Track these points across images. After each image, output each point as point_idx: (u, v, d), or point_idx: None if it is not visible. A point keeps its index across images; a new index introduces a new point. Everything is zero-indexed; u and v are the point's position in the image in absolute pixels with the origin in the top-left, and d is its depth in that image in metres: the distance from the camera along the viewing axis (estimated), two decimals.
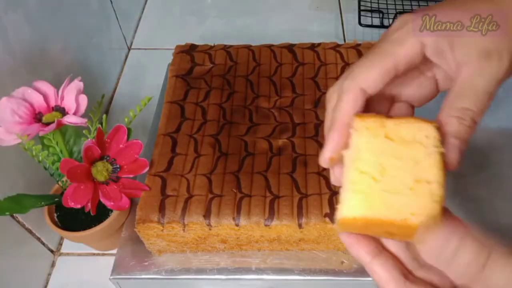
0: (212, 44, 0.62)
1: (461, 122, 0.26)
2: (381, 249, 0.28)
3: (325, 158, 0.28)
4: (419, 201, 0.24)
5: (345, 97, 0.28)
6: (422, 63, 0.29)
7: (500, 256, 0.24)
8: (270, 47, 0.61)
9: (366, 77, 0.28)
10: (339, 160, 0.27)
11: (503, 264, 0.23)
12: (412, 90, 0.31)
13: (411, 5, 0.85)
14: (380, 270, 0.27)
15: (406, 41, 0.27)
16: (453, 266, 0.24)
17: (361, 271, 0.48)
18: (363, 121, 0.26)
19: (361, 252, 0.28)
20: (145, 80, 0.78)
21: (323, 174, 0.47)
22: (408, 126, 0.25)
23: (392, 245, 0.29)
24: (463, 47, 0.27)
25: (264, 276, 0.49)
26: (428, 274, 0.27)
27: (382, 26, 0.82)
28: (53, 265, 0.58)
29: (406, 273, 0.27)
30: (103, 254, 0.58)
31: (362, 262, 0.28)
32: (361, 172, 0.25)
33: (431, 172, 0.24)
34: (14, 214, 0.51)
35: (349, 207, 0.24)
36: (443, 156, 0.25)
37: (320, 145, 0.50)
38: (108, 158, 0.47)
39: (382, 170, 0.25)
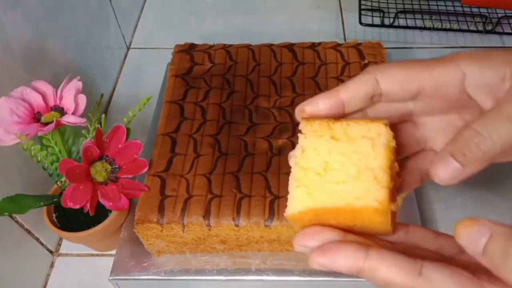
0: (212, 44, 0.62)
1: (475, 143, 0.24)
2: (366, 245, 0.24)
3: (302, 108, 0.28)
4: (362, 187, 0.24)
5: (355, 77, 0.27)
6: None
7: None
8: (270, 46, 0.61)
9: (388, 73, 0.26)
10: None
11: None
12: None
13: (412, 4, 0.84)
14: (382, 265, 0.23)
15: (448, 62, 0.26)
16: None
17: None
18: (310, 124, 0.26)
19: (348, 258, 0.23)
20: (144, 79, 0.78)
21: None
22: (357, 126, 0.25)
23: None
24: None
25: (264, 277, 0.49)
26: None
27: (382, 25, 0.81)
28: (52, 265, 0.58)
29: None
30: (102, 255, 0.58)
31: (355, 271, 0.23)
32: (305, 169, 0.25)
33: (376, 162, 0.24)
34: (13, 215, 0.50)
35: (294, 202, 0.25)
36: (394, 150, 0.25)
37: None
38: (107, 158, 0.47)
39: (326, 166, 0.25)
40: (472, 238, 0.23)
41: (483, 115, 0.24)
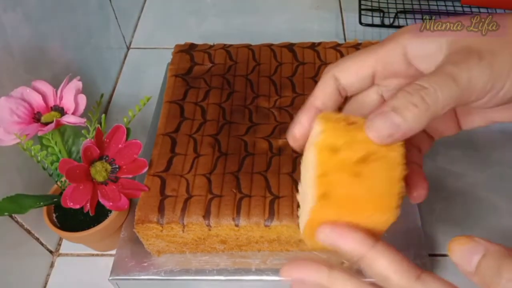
0: (212, 44, 0.62)
1: (406, 97, 0.24)
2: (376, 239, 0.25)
3: (292, 134, 0.29)
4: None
5: (319, 82, 0.29)
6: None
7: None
8: (270, 46, 0.61)
9: (342, 67, 0.28)
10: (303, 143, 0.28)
11: None
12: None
13: (412, 4, 0.84)
14: (384, 259, 0.24)
15: (389, 42, 0.27)
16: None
17: (362, 272, 0.48)
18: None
19: (356, 241, 0.24)
20: (144, 79, 0.78)
21: None
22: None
23: None
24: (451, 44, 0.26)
25: (264, 277, 0.49)
26: None
27: (382, 25, 0.81)
28: (52, 265, 0.58)
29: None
30: (102, 255, 0.58)
31: (358, 255, 0.24)
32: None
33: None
34: (13, 215, 0.50)
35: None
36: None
37: None
38: (107, 158, 0.47)
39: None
40: (466, 255, 0.23)
41: (426, 75, 0.25)
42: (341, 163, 0.23)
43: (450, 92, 0.23)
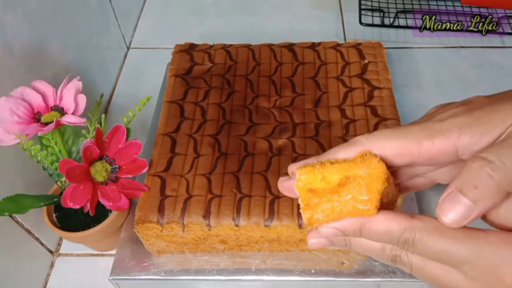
0: (212, 43, 0.62)
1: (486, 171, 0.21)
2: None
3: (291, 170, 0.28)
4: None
5: (343, 145, 0.27)
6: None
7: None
8: (270, 46, 0.61)
9: (378, 145, 0.25)
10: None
11: None
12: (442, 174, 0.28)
13: (412, 4, 0.84)
14: (378, 217, 0.24)
15: (443, 132, 0.24)
16: None
17: (362, 272, 0.48)
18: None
19: (346, 222, 0.25)
20: (144, 79, 0.78)
21: None
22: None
23: None
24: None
25: (264, 277, 0.49)
26: None
27: (382, 25, 0.81)
28: (52, 265, 0.58)
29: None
30: (102, 255, 0.58)
31: (356, 228, 0.25)
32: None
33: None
34: (13, 215, 0.50)
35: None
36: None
37: (320, 144, 0.50)
38: (107, 158, 0.47)
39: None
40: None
41: (489, 146, 0.23)
42: (319, 195, 0.26)
43: None
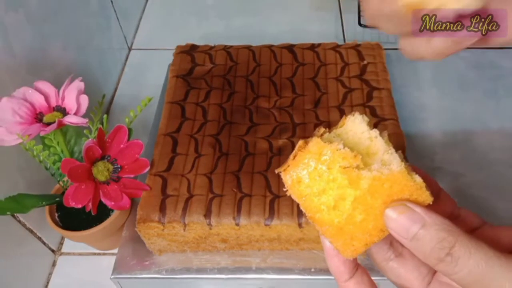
0: (213, 45, 0.62)
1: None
2: (357, 264, 0.29)
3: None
4: None
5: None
6: None
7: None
8: (270, 47, 0.61)
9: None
10: None
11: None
12: None
13: None
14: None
15: None
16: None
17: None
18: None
19: (340, 268, 0.28)
20: (145, 80, 0.78)
21: None
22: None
23: None
24: None
25: (264, 276, 0.49)
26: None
27: None
28: (54, 264, 0.58)
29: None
30: (104, 254, 0.58)
31: (337, 278, 0.29)
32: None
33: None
34: (15, 214, 0.51)
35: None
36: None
37: None
38: (109, 158, 0.47)
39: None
40: (404, 224, 0.24)
41: None
42: None
43: None
